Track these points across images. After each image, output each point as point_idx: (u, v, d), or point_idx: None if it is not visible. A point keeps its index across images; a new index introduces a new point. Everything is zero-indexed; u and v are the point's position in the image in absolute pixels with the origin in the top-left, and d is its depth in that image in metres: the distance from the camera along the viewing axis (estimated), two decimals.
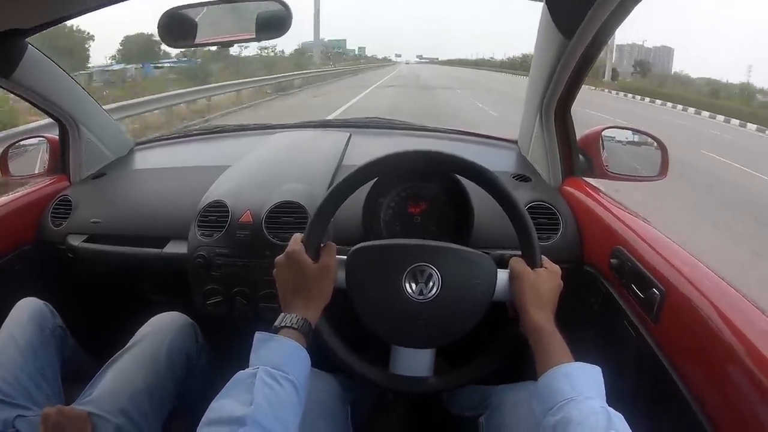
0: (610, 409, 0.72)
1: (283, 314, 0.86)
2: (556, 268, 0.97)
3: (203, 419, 0.69)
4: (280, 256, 0.92)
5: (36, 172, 1.74)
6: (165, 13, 1.16)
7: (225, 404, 0.70)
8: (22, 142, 1.78)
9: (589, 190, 1.37)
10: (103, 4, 1.17)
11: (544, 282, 0.92)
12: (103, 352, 1.21)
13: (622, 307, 1.12)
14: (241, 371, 0.76)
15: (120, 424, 1.03)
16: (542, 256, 0.97)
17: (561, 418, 0.72)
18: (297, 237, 0.94)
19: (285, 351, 0.79)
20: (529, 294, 0.91)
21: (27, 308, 1.24)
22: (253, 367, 0.75)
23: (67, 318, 1.31)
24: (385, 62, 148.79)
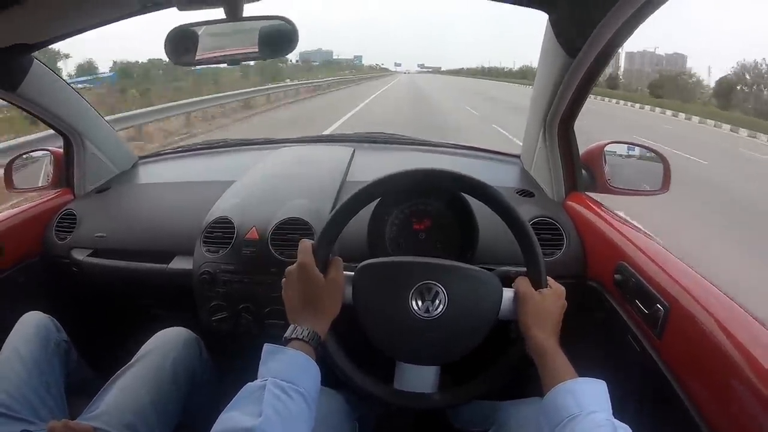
0: (616, 422, 0.72)
1: (292, 326, 0.86)
2: (561, 288, 0.97)
3: (212, 430, 0.69)
4: (292, 266, 0.92)
5: (40, 185, 1.75)
6: (171, 31, 1.17)
7: (234, 416, 0.70)
8: (26, 155, 1.79)
9: (593, 206, 1.37)
10: (108, 20, 1.18)
11: (548, 303, 0.92)
12: (108, 367, 1.21)
13: (626, 323, 1.12)
14: (250, 383, 0.75)
15: None
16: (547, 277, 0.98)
17: None
18: (307, 245, 0.93)
19: (295, 363, 0.79)
20: (533, 315, 0.91)
21: (31, 322, 1.24)
22: (262, 379, 0.75)
23: (72, 332, 1.31)
24: (382, 72, 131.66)
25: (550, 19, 1.13)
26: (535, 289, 0.93)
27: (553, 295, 0.94)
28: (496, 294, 0.95)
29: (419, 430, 1.35)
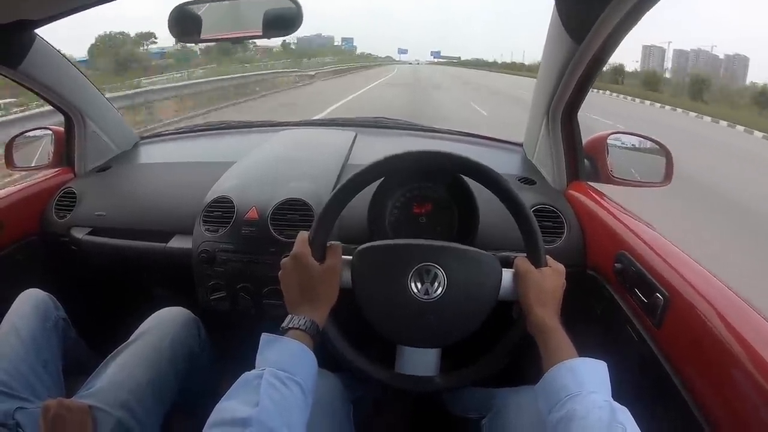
0: (615, 403, 0.72)
1: (290, 316, 0.86)
2: (561, 267, 0.97)
3: (209, 420, 0.69)
4: (286, 258, 0.92)
5: (41, 163, 1.75)
6: (175, 8, 1.16)
7: (230, 405, 0.70)
8: (27, 134, 1.79)
9: (594, 195, 1.37)
10: None
11: (548, 280, 0.93)
12: (105, 345, 1.21)
13: (625, 312, 1.12)
14: (247, 372, 0.76)
15: (121, 417, 1.03)
16: (546, 255, 0.97)
17: (565, 414, 0.73)
18: (303, 237, 0.93)
19: (292, 353, 0.79)
20: (533, 292, 0.91)
21: (30, 299, 1.24)
22: (260, 369, 0.75)
23: (70, 310, 1.32)
24: (369, 63, 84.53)
25: (557, 4, 1.12)
26: (535, 268, 0.94)
27: (553, 273, 0.94)
28: (495, 274, 0.95)
29: (416, 416, 1.36)
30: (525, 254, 0.97)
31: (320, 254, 0.93)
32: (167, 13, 1.18)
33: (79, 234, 1.50)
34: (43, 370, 1.14)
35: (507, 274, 0.96)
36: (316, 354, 0.82)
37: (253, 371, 0.76)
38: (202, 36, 1.20)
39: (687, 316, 0.91)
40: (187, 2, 1.17)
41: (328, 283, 0.92)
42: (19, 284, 1.30)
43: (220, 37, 1.24)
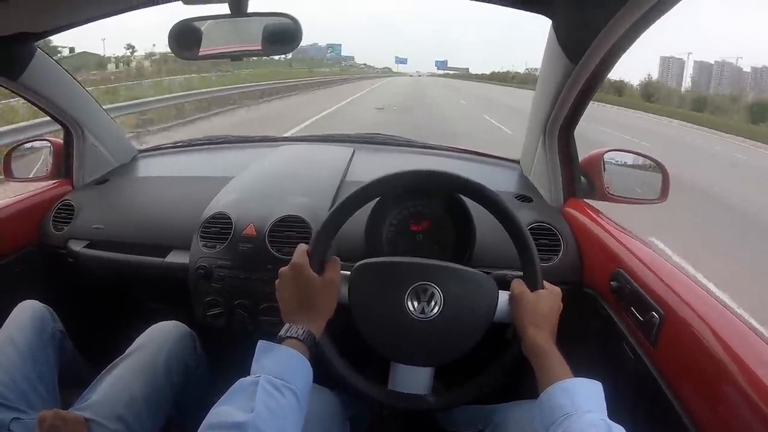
0: (611, 422, 0.72)
1: (288, 325, 0.87)
2: (557, 290, 0.97)
3: (203, 423, 0.69)
4: (285, 267, 0.92)
5: (39, 175, 1.75)
6: (176, 24, 1.17)
7: (225, 410, 0.71)
8: (26, 145, 1.80)
9: (591, 212, 1.37)
10: (112, 12, 1.19)
11: (544, 303, 0.93)
12: (101, 358, 1.21)
13: (621, 330, 1.12)
14: (243, 379, 0.76)
15: (116, 430, 1.03)
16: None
17: None
18: (302, 248, 0.94)
19: (288, 360, 0.80)
20: (528, 315, 0.91)
21: (28, 310, 1.24)
22: (255, 375, 0.76)
23: (67, 322, 1.31)
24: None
25: (553, 24, 1.13)
26: (531, 291, 0.94)
27: (549, 295, 0.95)
28: (491, 296, 0.95)
29: (412, 430, 1.35)
30: (521, 273, 0.97)
31: (319, 267, 0.93)
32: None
33: (77, 247, 1.50)
34: (39, 381, 1.14)
35: (503, 296, 0.96)
36: (312, 366, 0.83)
37: (248, 377, 0.76)
38: (202, 52, 1.21)
39: (682, 335, 0.91)
40: (188, 20, 1.18)
41: (326, 295, 0.92)
42: (16, 295, 1.29)
43: (219, 52, 1.25)
